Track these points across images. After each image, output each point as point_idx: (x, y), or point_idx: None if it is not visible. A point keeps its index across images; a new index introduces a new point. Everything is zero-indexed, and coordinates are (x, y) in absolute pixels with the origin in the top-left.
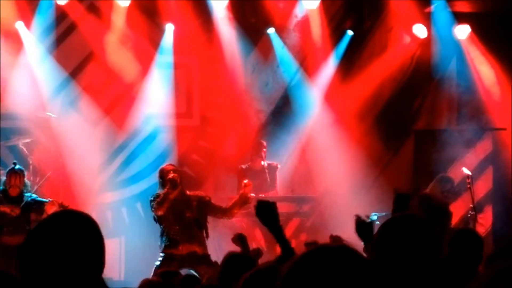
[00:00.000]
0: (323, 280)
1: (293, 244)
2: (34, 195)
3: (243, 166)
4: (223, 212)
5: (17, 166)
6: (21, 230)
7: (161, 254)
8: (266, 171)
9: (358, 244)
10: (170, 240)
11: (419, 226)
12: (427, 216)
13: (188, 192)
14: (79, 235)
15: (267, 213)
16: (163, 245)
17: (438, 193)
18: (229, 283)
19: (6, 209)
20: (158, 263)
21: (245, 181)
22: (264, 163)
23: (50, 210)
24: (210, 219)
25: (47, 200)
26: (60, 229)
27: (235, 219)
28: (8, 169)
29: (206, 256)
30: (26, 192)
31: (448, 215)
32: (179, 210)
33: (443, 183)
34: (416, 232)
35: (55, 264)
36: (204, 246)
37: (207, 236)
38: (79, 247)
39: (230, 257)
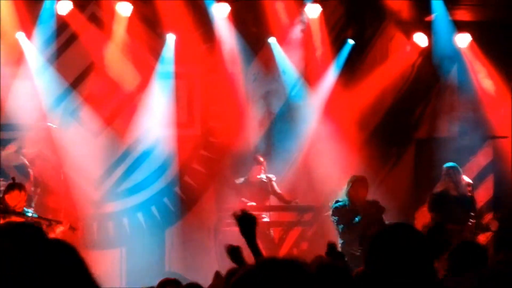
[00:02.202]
0: None
1: (295, 252)
2: (35, 214)
3: (239, 181)
4: None
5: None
6: None
7: None
8: (267, 183)
9: None
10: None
11: (408, 236)
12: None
13: (366, 200)
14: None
15: (248, 225)
16: None
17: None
18: None
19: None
20: None
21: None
22: (262, 176)
23: (57, 229)
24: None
25: (48, 219)
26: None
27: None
28: (8, 185)
29: None
30: (27, 208)
31: None
32: (349, 219)
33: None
34: (405, 242)
35: None
36: None
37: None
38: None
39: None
